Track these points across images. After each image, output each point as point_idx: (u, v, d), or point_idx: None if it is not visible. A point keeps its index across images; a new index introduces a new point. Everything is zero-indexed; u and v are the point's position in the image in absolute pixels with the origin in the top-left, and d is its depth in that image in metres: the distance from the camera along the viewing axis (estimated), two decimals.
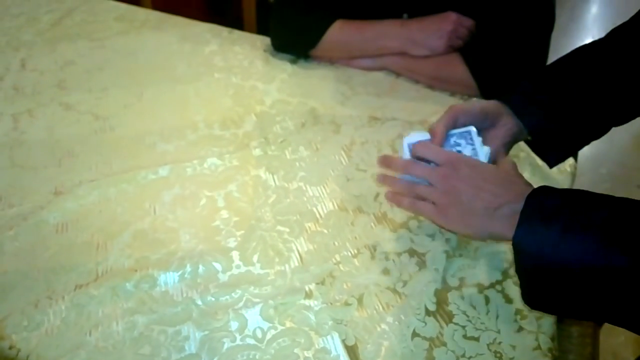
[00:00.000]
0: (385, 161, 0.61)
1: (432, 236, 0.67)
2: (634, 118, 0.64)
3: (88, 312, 0.57)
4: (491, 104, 0.62)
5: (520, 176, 0.54)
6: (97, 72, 0.97)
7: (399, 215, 0.70)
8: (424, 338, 0.56)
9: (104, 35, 1.07)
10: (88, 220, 0.68)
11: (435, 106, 0.90)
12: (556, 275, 0.44)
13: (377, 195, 0.73)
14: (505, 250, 0.65)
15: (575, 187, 0.56)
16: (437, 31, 0.88)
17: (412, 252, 0.65)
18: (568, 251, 0.43)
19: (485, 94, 0.87)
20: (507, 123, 0.62)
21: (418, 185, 0.57)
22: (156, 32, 1.09)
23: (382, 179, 0.61)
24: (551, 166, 0.68)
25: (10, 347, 0.54)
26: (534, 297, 0.48)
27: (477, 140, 0.59)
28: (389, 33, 0.92)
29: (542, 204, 0.46)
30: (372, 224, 0.69)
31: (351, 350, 0.54)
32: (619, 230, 0.42)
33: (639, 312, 0.42)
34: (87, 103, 0.89)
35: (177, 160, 0.77)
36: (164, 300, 0.59)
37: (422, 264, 0.63)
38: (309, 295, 0.59)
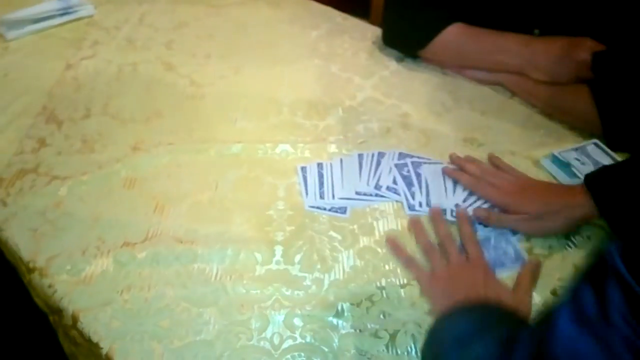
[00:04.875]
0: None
1: None
2: None
3: (126, 272, 0.60)
4: None
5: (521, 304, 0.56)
6: (206, 39, 1.01)
7: None
8: None
9: (222, 3, 1.11)
10: (155, 181, 0.71)
11: (546, 138, 0.80)
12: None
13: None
14: None
15: None
16: (564, 58, 0.78)
17: None
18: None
19: (608, 136, 0.76)
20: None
21: (435, 250, 0.62)
22: (272, 7, 1.10)
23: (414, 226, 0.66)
24: None
25: (49, 286, 0.58)
26: None
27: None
28: (510, 49, 0.84)
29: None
30: None
31: None
32: None
33: None
34: (187, 67, 0.93)
35: (251, 140, 0.77)
36: (198, 279, 0.59)
37: None
38: (339, 314, 0.56)
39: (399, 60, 0.96)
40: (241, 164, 0.74)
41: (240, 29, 1.04)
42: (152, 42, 0.98)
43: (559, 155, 0.74)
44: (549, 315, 0.34)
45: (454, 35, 0.88)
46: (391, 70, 0.94)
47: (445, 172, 0.72)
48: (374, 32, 1.03)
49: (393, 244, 0.63)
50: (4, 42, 0.96)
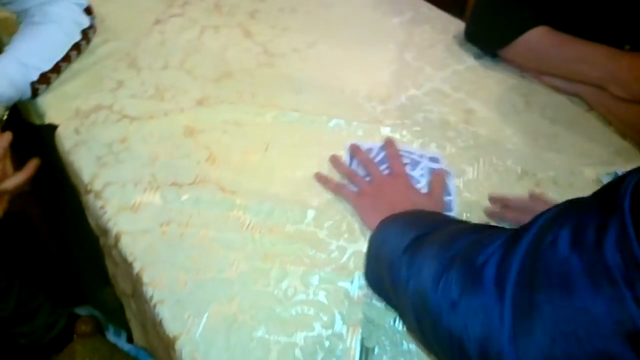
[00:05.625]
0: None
1: None
2: None
3: (170, 208, 0.68)
4: None
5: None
6: (288, 12, 1.08)
7: None
8: None
9: None
10: (211, 134, 0.79)
11: (615, 157, 0.80)
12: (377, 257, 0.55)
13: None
14: None
15: None
16: None
17: None
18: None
19: None
20: None
21: (356, 173, 0.73)
22: None
23: (333, 160, 0.75)
24: None
25: (101, 207, 0.67)
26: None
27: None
28: (592, 59, 0.83)
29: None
30: None
31: (365, 351, 0.55)
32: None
33: None
34: (264, 36, 1.00)
35: (308, 111, 0.83)
36: (231, 225, 0.66)
37: None
38: (355, 282, 0.61)
39: (478, 57, 0.98)
40: (294, 132, 0.80)
41: (323, 8, 1.10)
42: (237, 10, 1.07)
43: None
44: (544, 229, 0.37)
45: (537, 38, 0.89)
46: (467, 65, 0.96)
47: (315, 177, 0.74)
48: (458, 26, 1.05)
49: (320, 177, 0.72)
50: None
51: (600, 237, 0.32)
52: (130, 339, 1.16)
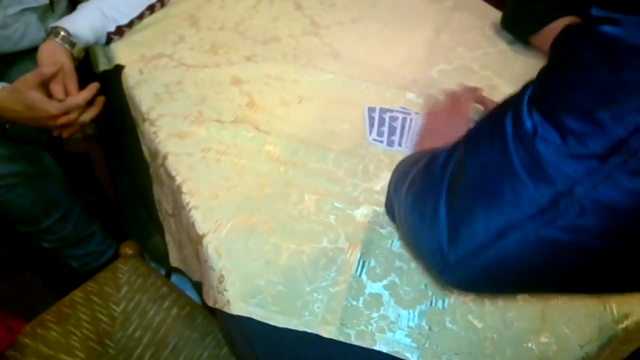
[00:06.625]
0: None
1: None
2: None
3: (211, 139, 0.80)
4: None
5: None
6: None
7: None
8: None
9: None
10: (254, 84, 0.91)
11: None
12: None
13: None
14: None
15: None
16: None
17: None
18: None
19: None
20: None
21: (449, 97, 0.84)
22: None
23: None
24: None
25: (154, 132, 0.80)
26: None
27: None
28: None
29: None
30: None
31: (362, 263, 0.64)
32: None
33: None
34: (313, 10, 1.12)
35: (342, 73, 0.93)
36: (261, 157, 0.77)
37: None
38: (361, 210, 0.70)
39: (510, 43, 1.05)
40: (327, 90, 0.91)
41: None
42: None
43: None
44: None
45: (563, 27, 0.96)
46: (498, 49, 1.04)
47: None
48: (496, 14, 1.13)
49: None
50: None
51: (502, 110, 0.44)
52: (168, 275, 1.30)
